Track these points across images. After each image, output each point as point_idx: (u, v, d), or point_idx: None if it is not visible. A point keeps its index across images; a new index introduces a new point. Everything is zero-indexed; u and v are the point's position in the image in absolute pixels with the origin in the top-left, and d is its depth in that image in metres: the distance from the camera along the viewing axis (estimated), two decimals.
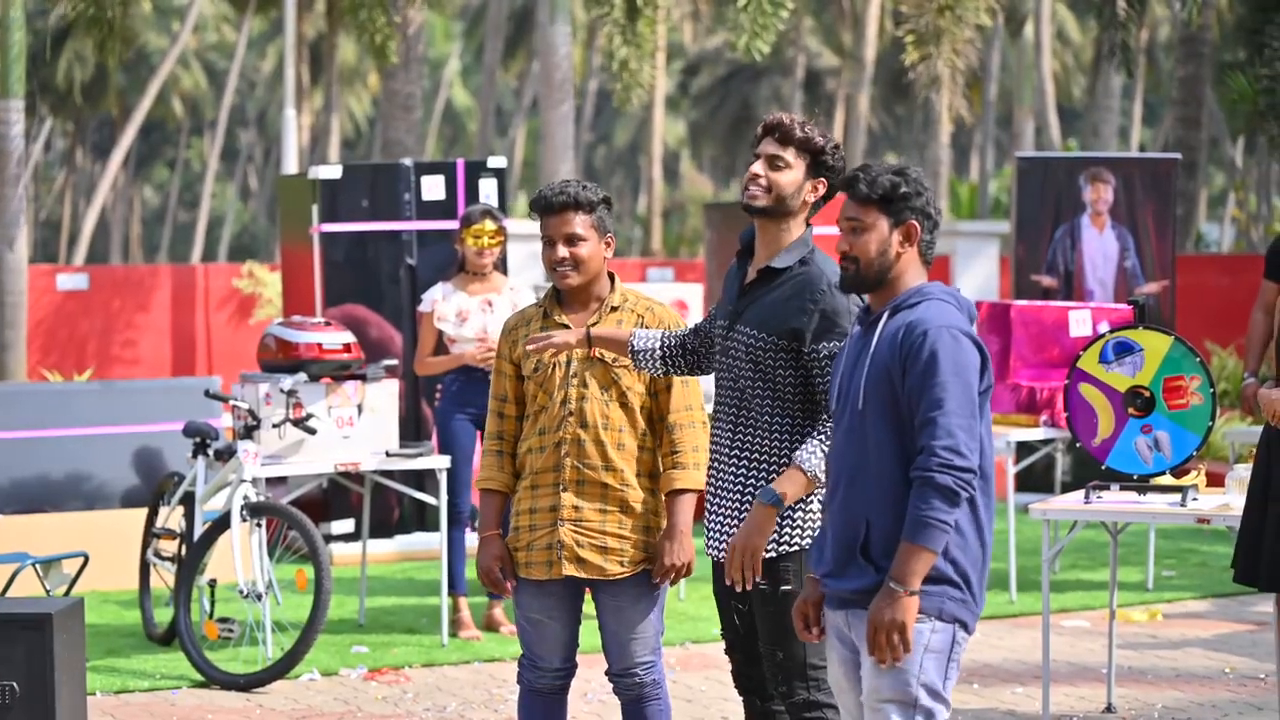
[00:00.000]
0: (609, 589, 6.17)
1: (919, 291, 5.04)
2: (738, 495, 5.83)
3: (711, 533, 5.95)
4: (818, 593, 5.19)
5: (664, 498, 6.20)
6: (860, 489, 5.04)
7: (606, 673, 6.29)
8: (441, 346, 10.23)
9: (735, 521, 5.85)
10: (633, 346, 6.03)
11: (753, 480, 5.79)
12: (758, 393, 5.77)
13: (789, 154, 5.80)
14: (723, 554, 5.89)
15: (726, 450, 5.87)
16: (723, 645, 6.11)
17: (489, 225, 10.10)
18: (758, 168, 5.84)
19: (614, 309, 6.21)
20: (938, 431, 4.86)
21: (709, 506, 5.95)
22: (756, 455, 5.79)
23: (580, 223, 6.15)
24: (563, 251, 6.13)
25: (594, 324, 6.17)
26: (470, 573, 11.30)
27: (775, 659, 5.77)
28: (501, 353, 6.27)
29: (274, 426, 9.80)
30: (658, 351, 6.04)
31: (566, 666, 6.28)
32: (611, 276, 6.27)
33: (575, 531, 6.11)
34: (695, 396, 6.22)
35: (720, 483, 5.89)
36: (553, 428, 6.12)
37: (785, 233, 5.84)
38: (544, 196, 6.18)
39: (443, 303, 10.14)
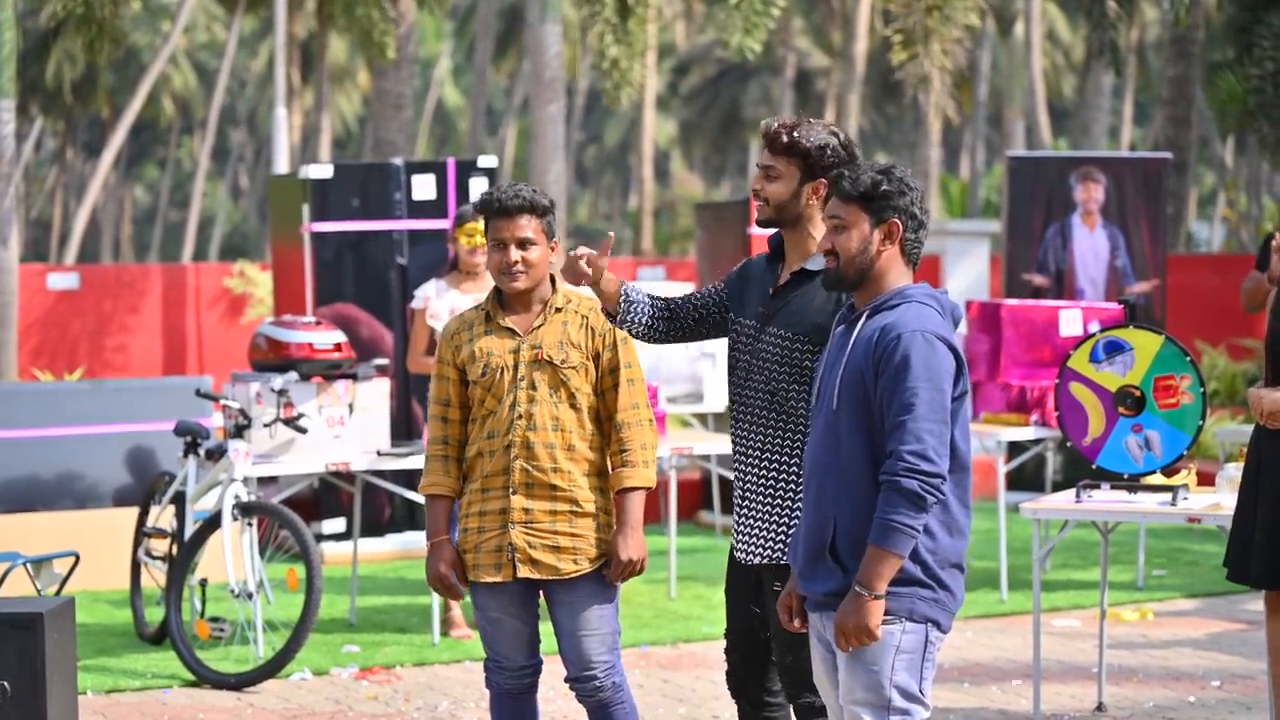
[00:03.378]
0: (564, 587, 6.17)
1: (900, 293, 5.03)
2: (768, 497, 5.80)
3: (740, 535, 5.92)
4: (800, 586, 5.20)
5: (614, 496, 6.23)
6: (830, 488, 5.04)
7: (566, 679, 6.26)
8: (434, 344, 10.23)
9: (765, 524, 5.82)
10: (627, 295, 5.97)
11: (783, 481, 5.77)
12: (793, 394, 5.75)
13: (779, 162, 5.79)
14: (750, 557, 5.87)
15: (757, 453, 5.83)
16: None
17: (481, 225, 10.09)
18: (755, 181, 5.85)
19: (558, 310, 6.23)
20: (906, 436, 4.87)
21: (737, 507, 5.92)
22: (790, 457, 5.76)
23: (533, 227, 6.18)
24: (516, 255, 6.15)
25: (539, 326, 6.19)
26: None
27: (785, 662, 5.77)
28: (444, 358, 6.25)
29: (265, 426, 9.80)
30: (646, 311, 6.02)
31: (532, 663, 6.29)
32: (553, 279, 6.29)
33: (526, 533, 6.13)
34: (641, 395, 6.25)
35: (749, 484, 5.86)
36: (502, 431, 6.13)
37: (810, 238, 5.82)
38: (497, 199, 6.18)
39: (436, 300, 10.14)
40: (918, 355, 4.89)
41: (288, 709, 8.72)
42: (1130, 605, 11.05)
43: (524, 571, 6.13)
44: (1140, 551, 11.81)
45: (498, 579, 6.15)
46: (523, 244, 6.16)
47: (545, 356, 6.16)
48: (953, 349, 4.95)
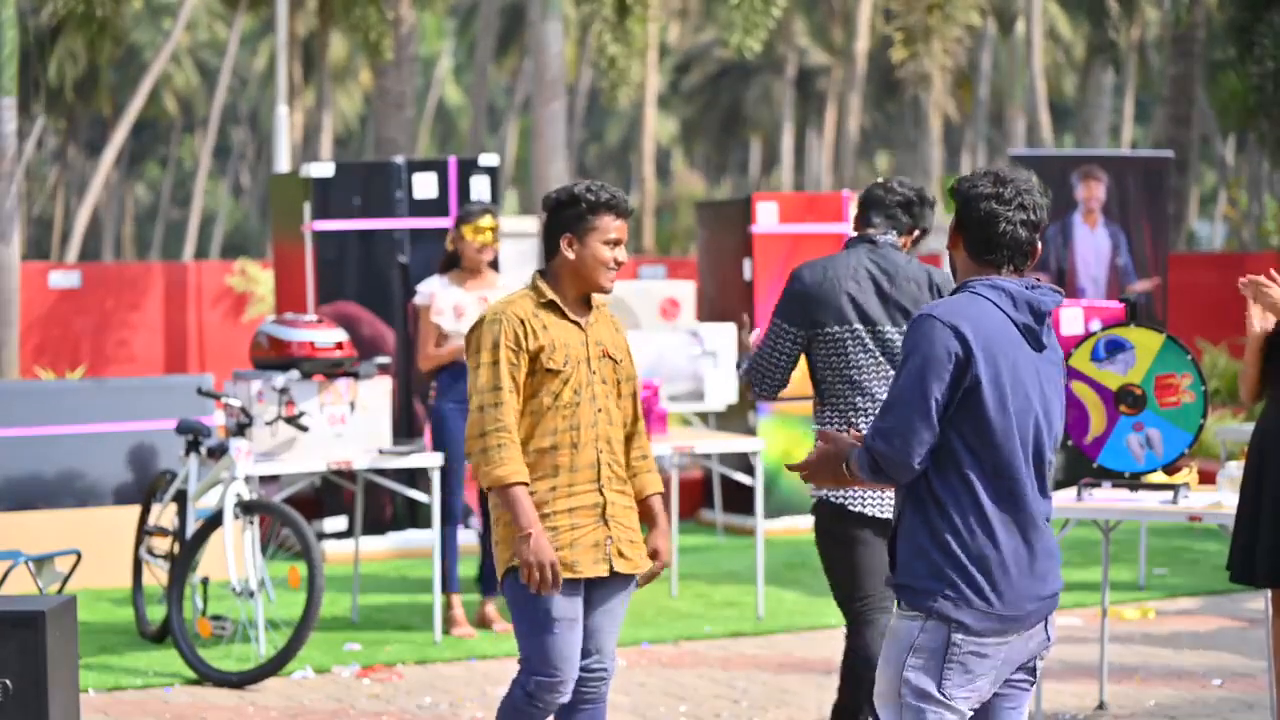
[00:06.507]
0: (608, 585, 6.16)
1: (965, 285, 5.02)
2: None
3: None
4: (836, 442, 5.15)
5: (645, 500, 6.25)
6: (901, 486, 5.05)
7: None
8: (441, 340, 10.20)
9: None
10: None
11: None
12: None
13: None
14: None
15: None
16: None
17: (489, 222, 10.11)
18: None
19: (598, 309, 6.24)
20: (880, 412, 4.93)
21: None
22: None
23: None
24: (623, 255, 6.15)
25: (594, 323, 6.17)
26: (463, 570, 11.30)
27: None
28: (508, 344, 6.02)
29: (267, 424, 9.80)
30: None
31: (575, 671, 6.14)
32: None
33: (620, 527, 6.13)
34: None
35: None
36: (588, 424, 6.08)
37: None
38: (619, 200, 6.13)
39: (441, 296, 10.13)
40: (912, 340, 4.91)
41: (289, 707, 8.73)
42: (1132, 604, 11.06)
43: (620, 566, 6.12)
44: (1142, 550, 11.81)
45: (595, 574, 6.07)
46: (623, 244, 6.17)
47: (609, 353, 6.17)
48: (960, 336, 4.88)
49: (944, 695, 4.90)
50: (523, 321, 6.05)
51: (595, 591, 6.15)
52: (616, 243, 6.13)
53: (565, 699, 6.08)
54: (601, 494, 6.09)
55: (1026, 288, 4.99)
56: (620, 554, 6.12)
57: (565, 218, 6.12)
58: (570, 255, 6.10)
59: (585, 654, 6.18)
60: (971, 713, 4.97)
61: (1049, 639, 5.05)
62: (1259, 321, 7.42)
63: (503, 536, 6.06)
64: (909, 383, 4.88)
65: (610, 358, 6.16)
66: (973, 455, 4.90)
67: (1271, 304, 7.32)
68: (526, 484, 5.97)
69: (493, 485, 5.95)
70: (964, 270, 5.06)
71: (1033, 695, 8.15)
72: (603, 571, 6.07)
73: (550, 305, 6.12)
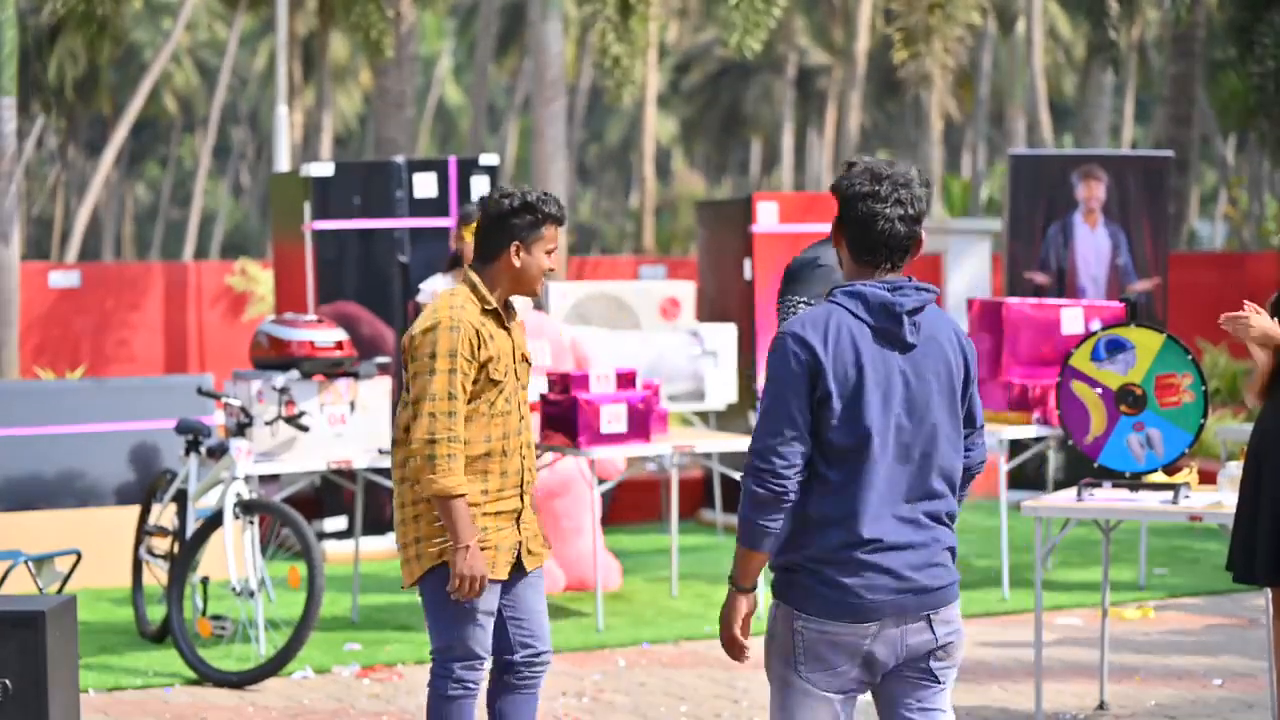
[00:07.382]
0: (533, 574, 6.38)
1: (829, 294, 5.07)
2: None
3: None
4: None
5: None
6: None
7: (527, 661, 6.41)
8: None
9: None
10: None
11: None
12: None
13: None
14: None
15: None
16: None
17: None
18: None
19: (515, 309, 6.38)
20: (752, 436, 5.02)
21: None
22: None
23: None
24: (555, 262, 6.30)
25: (514, 327, 6.32)
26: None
27: None
28: (464, 353, 6.12)
29: (266, 424, 9.80)
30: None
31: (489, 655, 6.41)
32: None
33: (528, 528, 6.34)
34: None
35: None
36: (515, 431, 6.25)
37: None
38: (563, 212, 6.27)
39: None
40: (768, 357, 5.03)
41: (289, 707, 8.73)
42: (1132, 603, 11.05)
43: (528, 563, 6.35)
44: (1142, 550, 11.81)
45: (502, 577, 6.26)
46: (555, 252, 6.34)
47: (525, 355, 6.34)
48: (808, 346, 4.93)
49: (803, 679, 4.97)
50: (476, 331, 6.16)
51: (525, 579, 6.37)
52: (552, 251, 6.29)
53: (479, 681, 6.33)
54: (521, 500, 6.30)
55: (890, 289, 5.00)
56: (530, 551, 6.36)
57: (515, 225, 6.22)
58: (517, 263, 6.22)
59: (530, 638, 6.38)
60: (848, 698, 5.00)
61: (936, 639, 5.00)
62: (1260, 354, 7.40)
63: (425, 534, 6.23)
64: (768, 401, 4.98)
65: (526, 360, 6.33)
66: (823, 455, 4.96)
67: (1259, 336, 7.29)
68: (465, 496, 6.13)
69: (438, 494, 6.09)
70: (846, 268, 5.11)
71: (1034, 695, 8.16)
72: (504, 576, 6.25)
73: (492, 313, 6.23)
